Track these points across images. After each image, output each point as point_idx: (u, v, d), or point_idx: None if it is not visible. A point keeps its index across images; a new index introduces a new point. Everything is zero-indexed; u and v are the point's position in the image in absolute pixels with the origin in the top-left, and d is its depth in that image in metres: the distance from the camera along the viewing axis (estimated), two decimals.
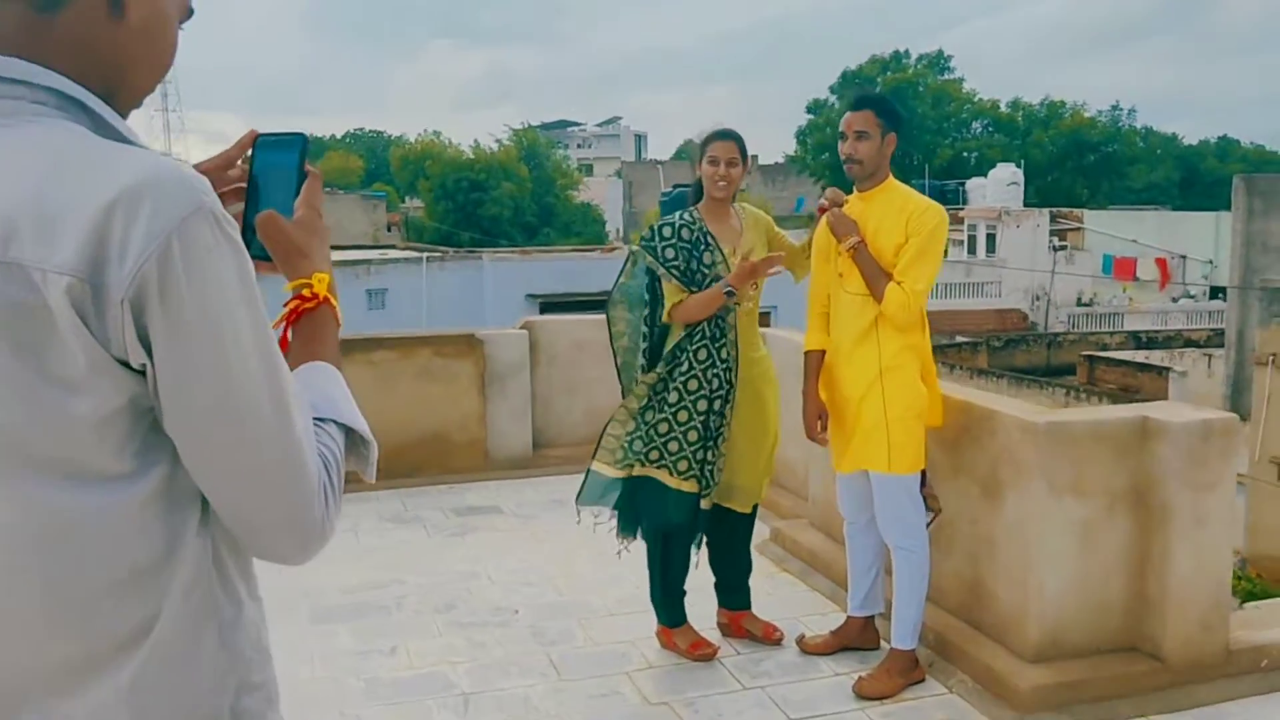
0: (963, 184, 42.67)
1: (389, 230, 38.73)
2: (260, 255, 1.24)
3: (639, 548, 3.98)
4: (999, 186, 38.23)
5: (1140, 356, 24.48)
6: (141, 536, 1.04)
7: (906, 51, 55.10)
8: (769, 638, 4.07)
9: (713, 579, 4.16)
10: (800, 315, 4.03)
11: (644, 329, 3.84)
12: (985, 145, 52.69)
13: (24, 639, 1.03)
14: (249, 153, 1.33)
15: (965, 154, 52.45)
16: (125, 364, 0.99)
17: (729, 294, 3.68)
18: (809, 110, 54.37)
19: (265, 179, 1.31)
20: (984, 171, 42.89)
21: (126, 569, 1.04)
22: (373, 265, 19.62)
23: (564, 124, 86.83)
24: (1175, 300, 34.47)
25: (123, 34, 1.09)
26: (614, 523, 3.95)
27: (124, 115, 1.11)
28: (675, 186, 19.58)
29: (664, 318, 3.76)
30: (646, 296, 3.80)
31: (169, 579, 1.06)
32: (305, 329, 1.24)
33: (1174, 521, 3.52)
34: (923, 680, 3.72)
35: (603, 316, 4.04)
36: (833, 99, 52.73)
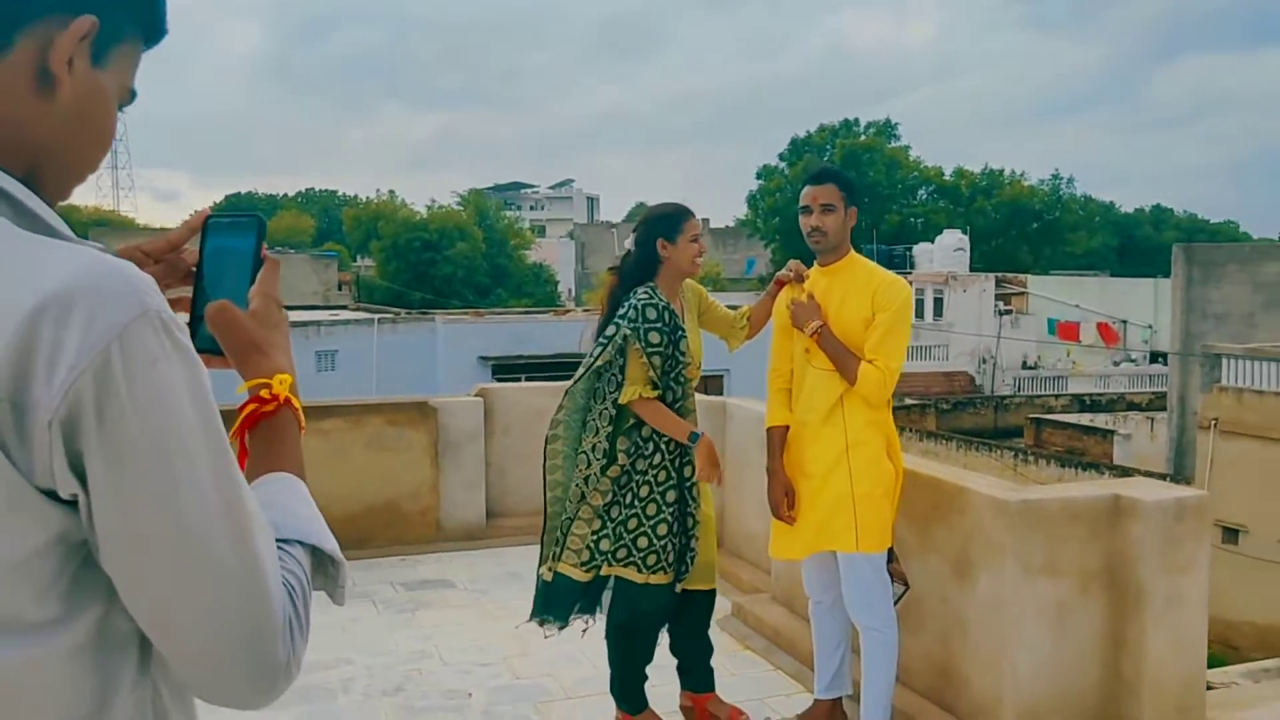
0: (910, 249, 43.41)
1: (340, 289, 38.37)
2: (208, 348, 1.12)
3: (599, 624, 3.81)
4: (946, 252, 38.97)
5: (1085, 419, 24.85)
6: (70, 690, 0.90)
7: (856, 120, 56.26)
8: None
9: (674, 660, 4.00)
10: (752, 379, 3.94)
11: (610, 411, 3.66)
12: (931, 211, 53.71)
13: None
14: (198, 236, 1.21)
15: (912, 219, 53.40)
16: (52, 495, 0.86)
17: (692, 438, 3.56)
18: (759, 176, 55.12)
19: (216, 264, 1.19)
20: (930, 237, 43.73)
21: (61, 712, 0.90)
22: (323, 326, 19.30)
23: (517, 185, 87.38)
24: (1117, 364, 35.14)
25: (52, 112, 0.97)
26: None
27: (52, 204, 0.98)
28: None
29: (624, 399, 3.53)
30: (619, 378, 3.63)
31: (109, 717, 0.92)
32: (263, 435, 1.11)
33: (1149, 602, 3.45)
34: None
35: (557, 384, 3.88)
36: (782, 165, 53.56)
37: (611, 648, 3.77)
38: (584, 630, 3.75)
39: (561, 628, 3.71)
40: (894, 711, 3.65)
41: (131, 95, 1.06)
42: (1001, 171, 57.03)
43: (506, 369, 15.70)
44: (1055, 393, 31.19)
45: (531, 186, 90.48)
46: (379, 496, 6.03)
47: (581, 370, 3.65)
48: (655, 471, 3.58)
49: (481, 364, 16.53)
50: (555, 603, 3.68)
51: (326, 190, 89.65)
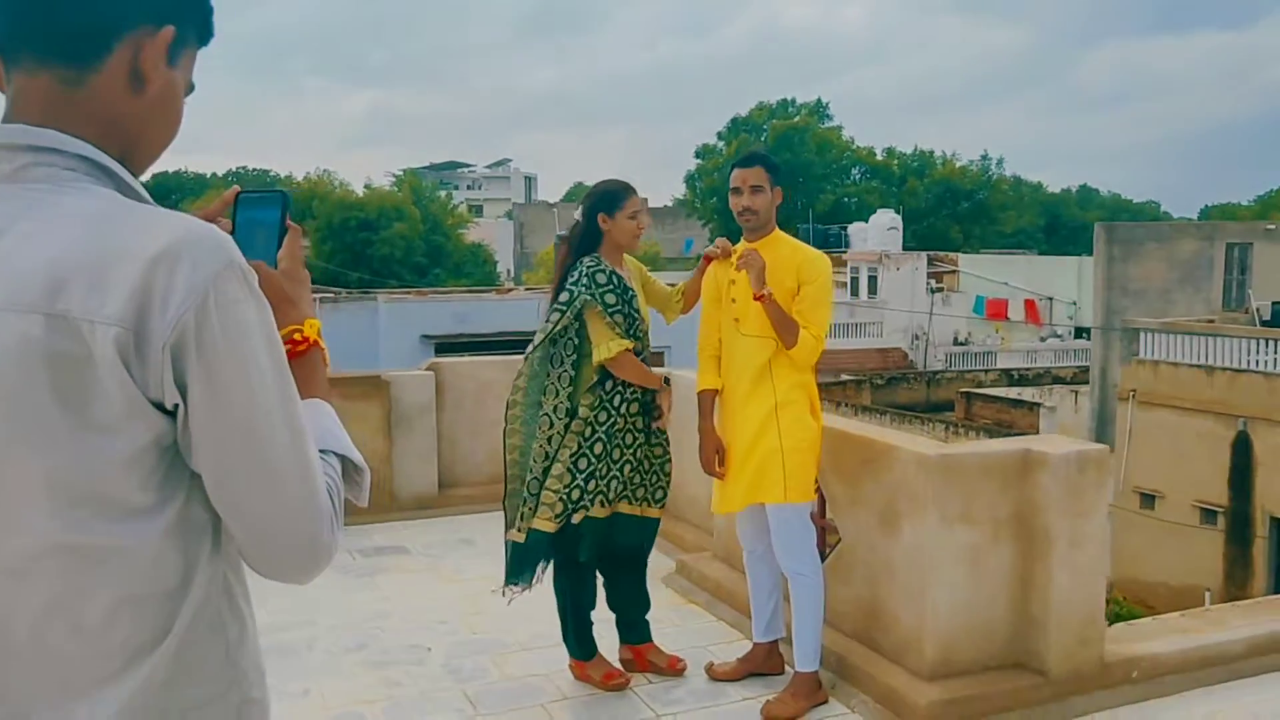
0: (845, 228, 44.08)
1: None
2: None
3: (542, 587, 4.05)
4: (879, 231, 39.62)
5: (1013, 393, 25.64)
6: (162, 563, 1.14)
7: (793, 99, 56.85)
8: (673, 669, 4.20)
9: (613, 616, 4.26)
10: (690, 354, 4.23)
11: (551, 379, 3.93)
12: (864, 191, 54.55)
13: (48, 649, 1.12)
14: (232, 208, 1.42)
15: (846, 199, 54.20)
16: (158, 405, 1.09)
17: (666, 382, 3.97)
18: (697, 155, 55.51)
19: (248, 233, 1.38)
20: (864, 217, 44.41)
21: (146, 592, 1.14)
22: None
23: (453, 165, 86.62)
24: (1043, 340, 36.14)
25: (141, 106, 1.20)
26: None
27: (137, 177, 1.21)
28: (571, 227, 19.82)
29: (599, 360, 3.81)
30: (576, 341, 3.89)
31: (183, 600, 1.16)
32: (299, 371, 1.33)
33: (1054, 546, 3.80)
34: (826, 702, 3.90)
35: (507, 357, 4.15)
36: (720, 144, 53.95)
37: (560, 595, 4.04)
38: (535, 583, 4.00)
39: (527, 588, 3.97)
40: (825, 651, 3.97)
41: (191, 87, 1.28)
42: (933, 152, 58.12)
43: (449, 348, 15.80)
44: (985, 368, 32.03)
45: (468, 166, 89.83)
46: None
47: (539, 338, 3.91)
48: (617, 419, 3.87)
49: (424, 343, 16.62)
50: (527, 561, 3.94)
51: (258, 169, 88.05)
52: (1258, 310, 22.72)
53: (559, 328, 3.85)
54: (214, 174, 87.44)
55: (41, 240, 1.08)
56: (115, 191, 1.14)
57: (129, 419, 1.08)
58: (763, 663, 4.14)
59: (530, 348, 3.96)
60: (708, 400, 4.06)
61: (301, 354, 1.35)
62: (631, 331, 3.89)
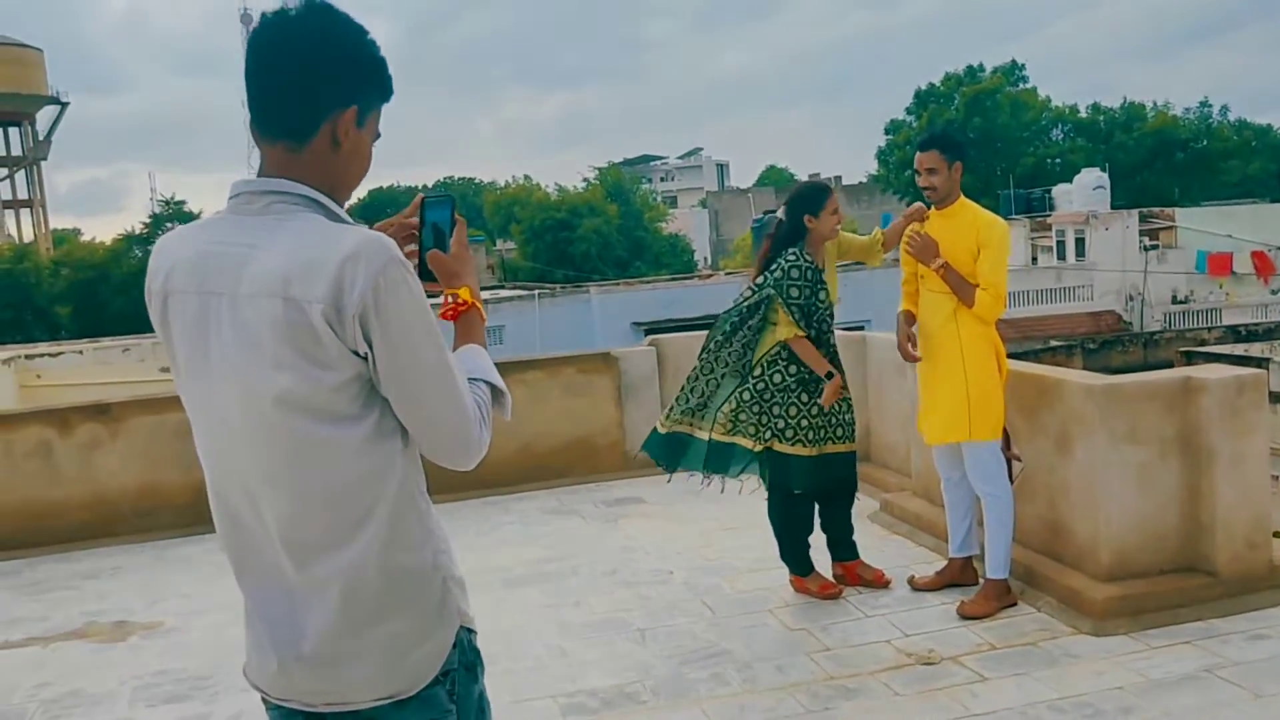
0: (1048, 191, 42.57)
1: (487, 272, 40.33)
2: (430, 278, 1.83)
3: (764, 524, 4.88)
4: (1085, 191, 38.11)
5: (1240, 349, 24.39)
6: (368, 453, 1.66)
7: (981, 65, 55.13)
8: (879, 582, 4.90)
9: (824, 540, 5.00)
10: (888, 325, 4.92)
11: (726, 329, 4.76)
12: (1068, 151, 52.34)
13: (313, 517, 1.66)
14: (419, 210, 1.92)
15: (1048, 161, 52.21)
16: (355, 353, 1.60)
17: (828, 376, 4.63)
18: (887, 131, 54.76)
19: (429, 228, 1.89)
20: (1069, 178, 42.74)
21: (362, 472, 1.66)
22: (488, 305, 20.62)
23: (646, 159, 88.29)
24: (1275, 293, 33.96)
25: (340, 158, 1.70)
26: (755, 487, 4.86)
27: (343, 204, 1.73)
28: (765, 212, 20.48)
29: (780, 337, 4.63)
30: (745, 312, 4.70)
31: (387, 480, 1.67)
32: (463, 323, 1.86)
33: (1217, 461, 4.27)
34: (1015, 604, 4.52)
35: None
36: (910, 119, 53.04)
37: (774, 518, 4.83)
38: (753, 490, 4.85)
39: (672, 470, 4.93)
40: (1013, 563, 4.57)
41: (378, 135, 1.77)
42: (1143, 105, 55.09)
43: (657, 332, 16.80)
44: (1209, 325, 30.49)
45: (660, 158, 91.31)
46: (574, 434, 7.23)
47: (731, 306, 4.77)
48: (788, 380, 4.68)
49: (635, 329, 17.71)
50: (663, 453, 4.90)
51: (464, 178, 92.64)
52: None
53: (746, 304, 4.71)
54: (424, 185, 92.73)
55: (278, 250, 1.59)
56: (323, 216, 1.65)
57: (339, 360, 1.58)
58: (958, 574, 4.78)
59: (724, 313, 4.81)
60: (904, 318, 4.73)
61: (463, 312, 1.85)
62: (815, 316, 4.65)
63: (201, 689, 4.31)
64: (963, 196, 4.62)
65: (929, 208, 4.69)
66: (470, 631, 1.82)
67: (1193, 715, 3.52)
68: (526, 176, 54.03)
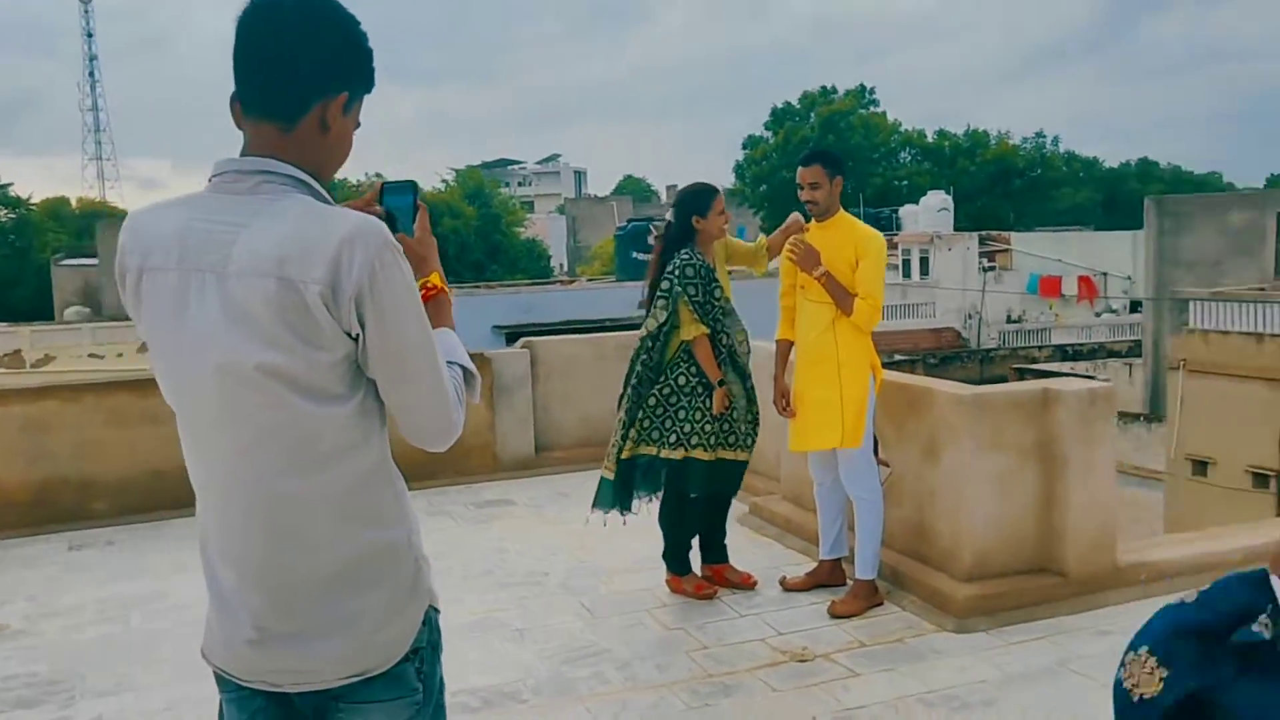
0: (896, 211, 44.39)
1: None
2: None
3: (639, 523, 4.91)
4: (930, 213, 39.95)
5: (1066, 368, 26.00)
6: (353, 429, 1.67)
7: (833, 86, 57.06)
8: (746, 584, 5.02)
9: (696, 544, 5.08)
10: (768, 333, 5.05)
11: (646, 342, 4.77)
12: (914, 174, 54.72)
13: (310, 475, 1.66)
14: (379, 196, 1.91)
15: (896, 182, 54.43)
16: (347, 334, 1.61)
17: (720, 384, 4.70)
18: (745, 145, 56.01)
19: (392, 213, 1.88)
20: (915, 199, 44.71)
21: (347, 445, 1.67)
22: None
23: (504, 162, 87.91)
24: (1098, 315, 36.30)
25: (326, 142, 1.71)
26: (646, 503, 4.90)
27: (325, 186, 1.74)
28: (630, 221, 20.67)
29: (684, 338, 4.68)
30: (674, 319, 4.70)
31: (368, 453, 1.69)
32: (431, 309, 1.81)
33: (1070, 468, 4.55)
34: (882, 604, 4.70)
35: (590, 335, 4.99)
36: (767, 135, 54.41)
37: (666, 519, 4.90)
38: (644, 509, 4.86)
39: (624, 512, 4.82)
40: (881, 564, 4.76)
41: (358, 124, 1.77)
42: (986, 132, 58.04)
43: (518, 336, 16.75)
44: (1039, 344, 32.37)
45: (519, 162, 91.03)
46: None
47: (652, 325, 4.75)
48: (694, 382, 4.71)
49: (495, 332, 17.60)
50: (619, 491, 4.80)
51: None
52: None
53: (669, 316, 4.69)
54: None
55: (270, 230, 1.59)
56: (311, 197, 1.66)
57: (333, 341, 1.60)
58: (828, 576, 4.94)
59: (644, 331, 4.79)
60: (783, 349, 4.86)
61: (432, 297, 1.86)
62: (713, 312, 4.70)
63: (55, 694, 4.07)
64: (842, 210, 4.78)
65: (807, 220, 4.84)
66: (436, 611, 1.83)
67: (1047, 705, 3.75)
68: (378, 174, 52.82)
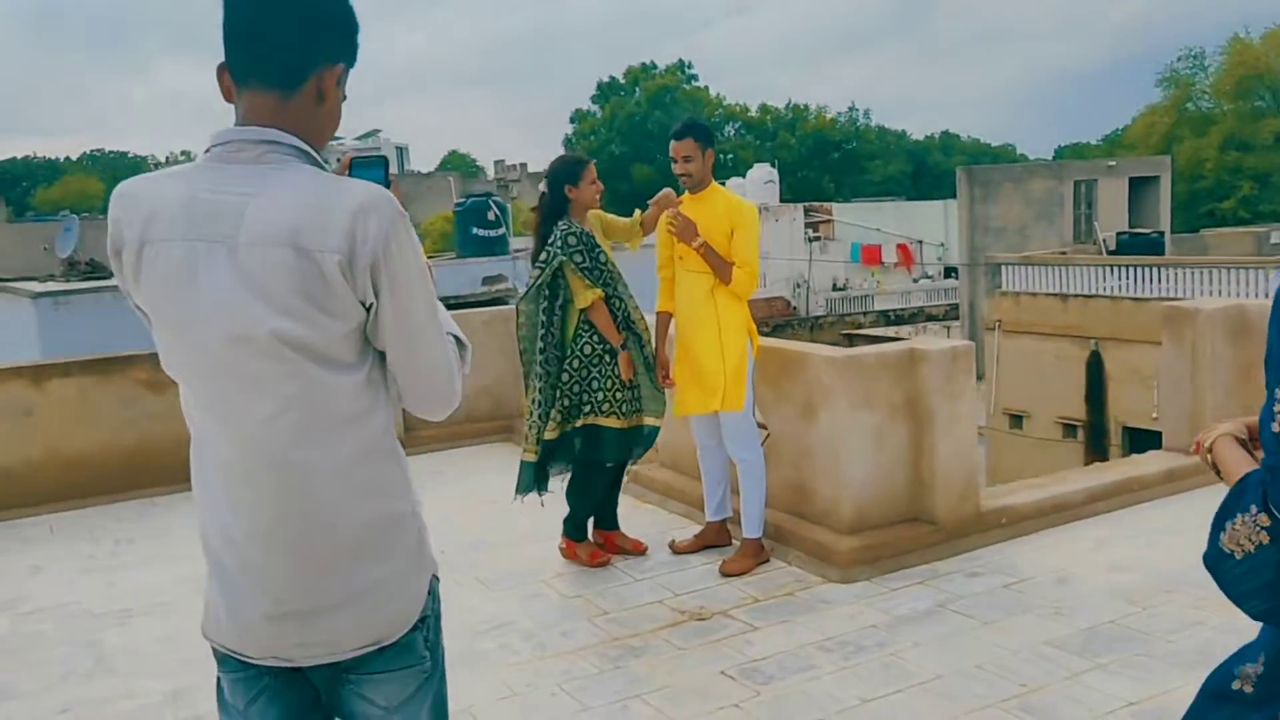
0: (724, 184, 45.22)
1: None
2: None
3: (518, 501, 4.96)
4: (757, 185, 40.91)
5: (890, 332, 27.31)
6: (362, 396, 1.69)
7: (654, 62, 57.75)
8: (637, 549, 5.17)
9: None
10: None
11: (542, 319, 4.81)
12: (739, 147, 56.10)
13: (324, 444, 1.67)
14: (348, 171, 1.88)
15: (721, 155, 55.61)
16: (362, 303, 1.63)
17: (623, 348, 4.80)
18: (572, 120, 56.09)
19: None
20: (741, 172, 45.75)
21: (358, 412, 1.69)
22: None
23: None
24: (916, 281, 38.15)
25: (321, 112, 1.72)
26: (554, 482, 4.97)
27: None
28: (469, 196, 20.40)
29: (579, 306, 4.72)
30: (547, 293, 4.76)
31: (375, 420, 1.71)
32: None
33: (936, 422, 4.87)
34: (769, 560, 4.92)
35: (472, 311, 4.98)
36: (595, 109, 54.57)
37: (574, 488, 4.99)
38: (542, 501, 4.93)
39: (542, 492, 4.91)
40: (765, 523, 4.97)
41: (344, 96, 1.78)
42: (806, 106, 59.96)
43: None
44: (864, 310, 33.81)
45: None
46: None
47: (527, 289, 4.78)
48: (599, 350, 4.79)
49: None
50: (540, 472, 4.87)
51: (116, 151, 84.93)
52: (1104, 241, 24.77)
53: (541, 282, 4.74)
54: (68, 158, 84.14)
55: (282, 199, 1.59)
56: (313, 167, 1.67)
57: (347, 310, 1.62)
58: (714, 537, 5.13)
59: (518, 300, 4.84)
60: (663, 321, 4.99)
61: None
62: (603, 276, 4.78)
63: None
64: (714, 182, 4.94)
65: (679, 194, 4.97)
66: (437, 580, 1.86)
67: (939, 643, 4.03)
68: (185, 153, 50.34)
